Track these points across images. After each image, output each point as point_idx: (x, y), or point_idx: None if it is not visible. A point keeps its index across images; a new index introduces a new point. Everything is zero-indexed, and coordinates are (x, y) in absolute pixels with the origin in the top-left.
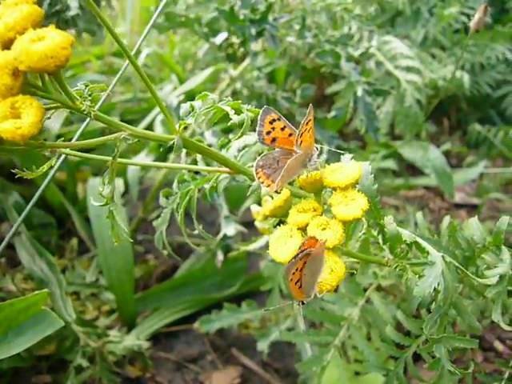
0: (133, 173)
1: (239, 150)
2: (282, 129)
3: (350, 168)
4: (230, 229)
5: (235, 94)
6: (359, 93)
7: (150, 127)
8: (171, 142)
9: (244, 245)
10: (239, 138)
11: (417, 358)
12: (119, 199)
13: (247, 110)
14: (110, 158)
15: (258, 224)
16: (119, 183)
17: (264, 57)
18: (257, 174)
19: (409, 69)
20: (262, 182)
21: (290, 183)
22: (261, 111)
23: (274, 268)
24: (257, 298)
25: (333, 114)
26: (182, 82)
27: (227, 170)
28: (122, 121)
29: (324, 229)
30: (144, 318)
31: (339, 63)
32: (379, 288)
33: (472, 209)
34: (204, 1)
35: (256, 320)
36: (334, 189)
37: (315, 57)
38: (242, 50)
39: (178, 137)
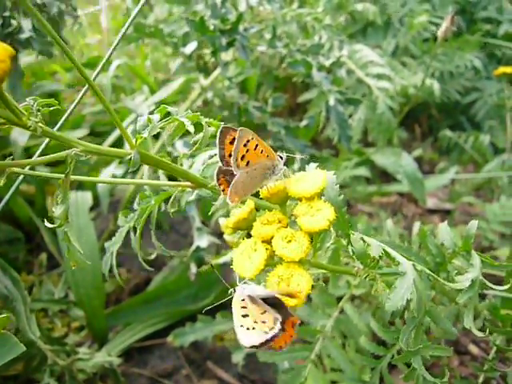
0: (103, 185)
1: (203, 164)
2: (244, 146)
3: (315, 177)
4: (202, 241)
5: (206, 104)
6: (331, 102)
7: (121, 139)
8: (128, 157)
9: (216, 258)
10: (199, 152)
11: (392, 366)
12: (87, 213)
13: (207, 122)
14: (63, 176)
15: (226, 237)
16: (87, 196)
17: (235, 66)
18: (218, 180)
19: (380, 76)
20: (223, 190)
21: (255, 195)
22: (218, 132)
23: None
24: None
25: (305, 122)
26: (153, 92)
27: (189, 184)
28: (92, 133)
29: (289, 241)
30: (116, 333)
31: (311, 73)
32: (353, 296)
33: (445, 214)
34: (176, 17)
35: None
36: (300, 199)
37: (287, 66)
38: (212, 60)
39: (135, 151)
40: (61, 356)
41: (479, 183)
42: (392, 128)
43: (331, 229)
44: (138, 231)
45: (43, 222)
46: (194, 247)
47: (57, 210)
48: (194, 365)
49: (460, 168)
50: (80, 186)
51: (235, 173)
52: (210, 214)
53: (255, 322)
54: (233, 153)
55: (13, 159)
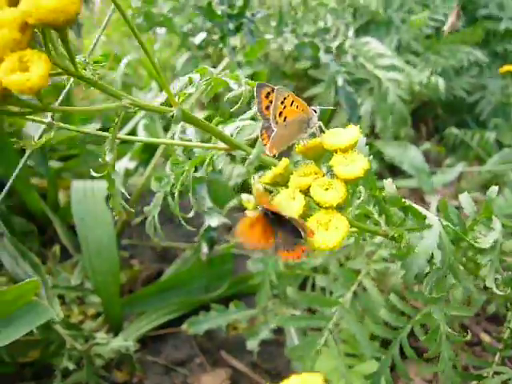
0: (117, 176)
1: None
2: (282, 102)
3: (349, 132)
4: (213, 220)
5: (217, 98)
6: (340, 82)
7: (132, 133)
8: (170, 114)
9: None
10: (239, 107)
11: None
12: (104, 201)
13: (245, 82)
14: (109, 134)
15: (248, 213)
16: (103, 185)
17: (245, 62)
18: (261, 135)
19: (389, 68)
20: (265, 145)
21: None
22: (255, 87)
23: (264, 261)
24: (244, 300)
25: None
26: (161, 89)
27: (224, 146)
28: (104, 128)
29: (327, 189)
30: (130, 322)
31: (318, 55)
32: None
33: None
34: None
35: (244, 321)
36: (335, 151)
37: (294, 49)
38: (220, 46)
39: (177, 109)
40: (79, 341)
41: (485, 180)
42: (405, 117)
43: (361, 187)
44: (176, 194)
45: (55, 215)
46: (204, 226)
47: (107, 157)
48: (208, 354)
49: (466, 165)
50: (94, 177)
51: (273, 128)
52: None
53: None
54: (271, 111)
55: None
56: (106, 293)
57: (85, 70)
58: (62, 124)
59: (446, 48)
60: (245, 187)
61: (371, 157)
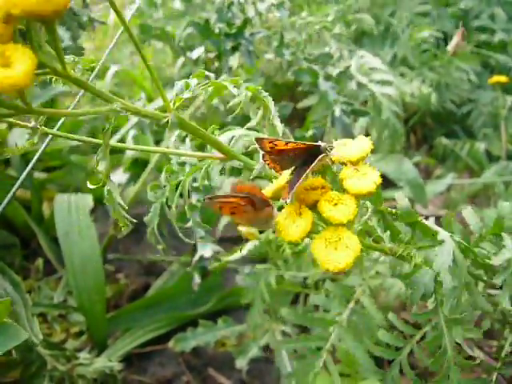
0: (114, 186)
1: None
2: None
3: (360, 142)
4: (206, 250)
5: (211, 111)
6: (337, 113)
7: (122, 142)
8: (165, 120)
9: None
10: (239, 112)
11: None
12: (88, 215)
13: (246, 88)
14: (101, 141)
15: (242, 229)
16: (88, 199)
17: (243, 73)
18: (263, 157)
19: (383, 82)
20: (268, 164)
21: None
22: (256, 144)
23: (255, 277)
24: (233, 315)
25: (310, 133)
26: (151, 100)
27: (220, 156)
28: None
29: (336, 204)
30: (115, 339)
31: (317, 82)
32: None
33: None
34: (179, 14)
35: (233, 337)
36: (344, 163)
37: (292, 75)
38: (217, 64)
39: (172, 114)
40: (60, 361)
41: (475, 190)
42: (399, 133)
43: (367, 203)
44: (174, 205)
45: (39, 227)
46: (197, 257)
47: (100, 166)
48: (195, 371)
49: (455, 176)
50: (79, 189)
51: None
52: (250, 178)
53: None
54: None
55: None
56: (90, 311)
57: (74, 70)
58: (47, 129)
59: (440, 65)
60: None
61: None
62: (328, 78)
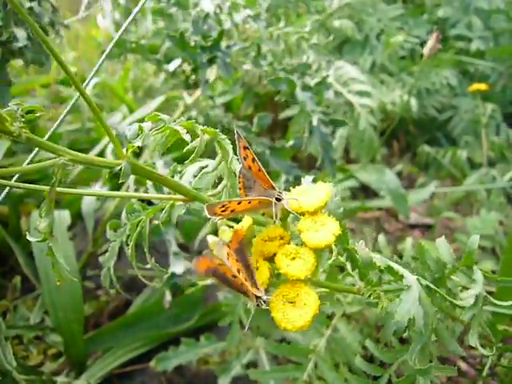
0: (88, 204)
1: (194, 176)
2: (253, 160)
3: (318, 190)
4: (179, 267)
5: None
6: (315, 122)
7: (101, 156)
8: (118, 168)
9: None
10: (193, 162)
11: None
12: (66, 232)
13: (202, 130)
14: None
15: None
16: (65, 215)
17: (221, 85)
18: (238, 179)
19: (361, 93)
20: (240, 189)
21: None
22: (235, 135)
23: (234, 300)
24: (216, 331)
25: (291, 143)
26: (132, 111)
27: (181, 197)
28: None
29: (294, 258)
30: (95, 359)
31: (294, 92)
32: (342, 314)
33: (425, 228)
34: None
35: (216, 354)
36: (302, 214)
37: (269, 84)
38: (193, 77)
39: (125, 161)
40: None
41: (458, 198)
42: (375, 145)
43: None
44: (131, 245)
45: (17, 243)
46: (168, 273)
47: (41, 224)
48: None
49: (438, 183)
50: (57, 205)
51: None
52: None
53: None
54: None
55: None
56: (68, 331)
57: (17, 121)
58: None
59: (419, 70)
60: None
61: (346, 184)
62: (306, 88)
